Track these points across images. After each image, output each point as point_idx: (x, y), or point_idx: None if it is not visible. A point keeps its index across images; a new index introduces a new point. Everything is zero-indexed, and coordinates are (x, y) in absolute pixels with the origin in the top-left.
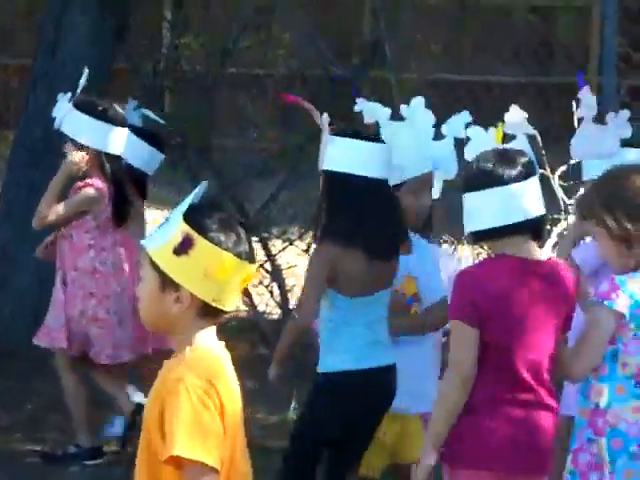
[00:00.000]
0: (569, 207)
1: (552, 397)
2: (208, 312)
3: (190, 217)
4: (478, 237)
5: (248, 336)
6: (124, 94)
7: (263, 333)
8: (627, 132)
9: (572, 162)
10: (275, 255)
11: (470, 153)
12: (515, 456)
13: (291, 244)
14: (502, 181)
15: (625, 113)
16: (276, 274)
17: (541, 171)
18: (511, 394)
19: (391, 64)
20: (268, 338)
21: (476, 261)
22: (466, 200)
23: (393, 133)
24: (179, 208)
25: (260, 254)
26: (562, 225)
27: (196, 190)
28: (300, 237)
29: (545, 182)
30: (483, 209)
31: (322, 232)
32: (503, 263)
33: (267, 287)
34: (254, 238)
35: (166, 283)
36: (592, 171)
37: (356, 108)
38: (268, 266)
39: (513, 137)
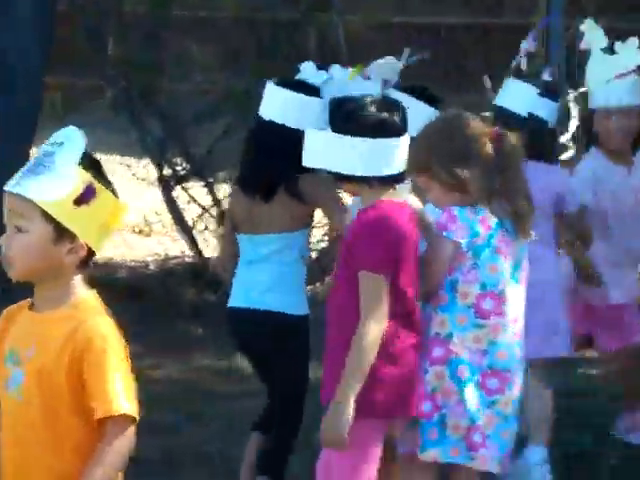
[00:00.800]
0: None
1: None
2: (86, 261)
3: (88, 166)
4: (361, 181)
5: (194, 282)
6: (70, 38)
7: (209, 279)
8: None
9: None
10: (221, 200)
11: (329, 91)
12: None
13: None
14: (400, 133)
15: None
16: (223, 219)
17: (487, 114)
18: (413, 339)
19: (337, 7)
20: (214, 284)
21: None
22: (350, 141)
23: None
24: (66, 156)
25: (206, 199)
26: None
27: (73, 134)
28: None
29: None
30: (377, 155)
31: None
32: (401, 208)
33: (213, 232)
34: (200, 183)
35: (62, 234)
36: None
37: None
38: (214, 211)
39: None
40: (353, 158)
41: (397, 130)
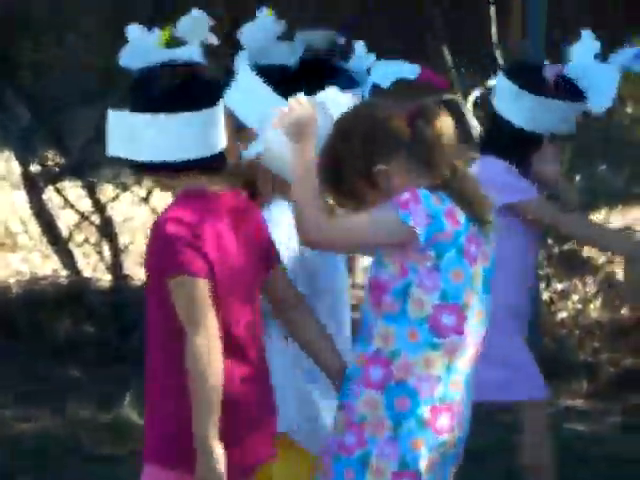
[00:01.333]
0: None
1: (264, 362)
2: None
3: None
4: (151, 169)
5: (70, 309)
6: None
7: (89, 306)
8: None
9: (490, 84)
10: (105, 204)
11: (127, 58)
12: None
13: (125, 191)
14: (197, 105)
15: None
16: (107, 229)
17: (450, 96)
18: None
19: None
20: (95, 312)
21: None
22: (146, 121)
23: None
24: None
25: (86, 203)
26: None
27: None
28: (138, 182)
29: (454, 110)
30: (174, 137)
31: None
32: (207, 200)
33: (95, 246)
34: (78, 182)
35: None
36: None
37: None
38: (96, 219)
39: (183, 43)
40: (147, 140)
41: (191, 102)
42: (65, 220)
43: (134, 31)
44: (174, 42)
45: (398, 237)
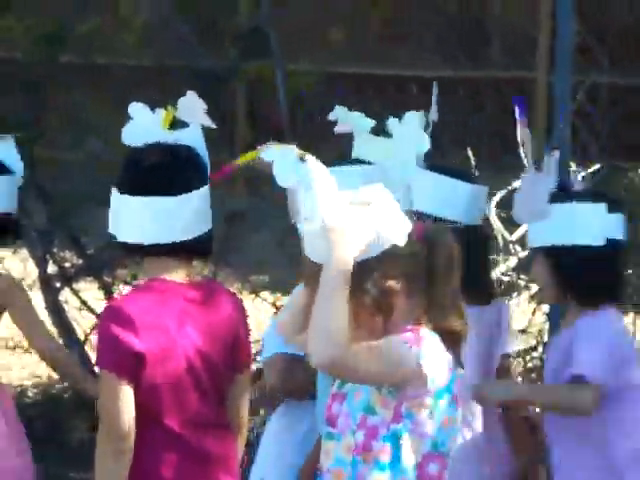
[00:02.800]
0: (510, 245)
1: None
2: None
3: None
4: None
5: (85, 413)
6: None
7: None
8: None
9: (516, 185)
10: None
11: (129, 136)
12: None
13: None
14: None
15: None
16: None
17: None
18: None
19: (277, 54)
20: None
21: None
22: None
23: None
24: None
25: (102, 305)
26: (501, 268)
27: None
28: None
29: None
30: (139, 218)
31: None
32: (162, 290)
33: None
34: (94, 284)
35: None
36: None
37: (331, 116)
38: None
39: (185, 125)
40: (124, 221)
41: (167, 185)
42: (81, 322)
43: (136, 109)
44: (177, 124)
45: (409, 376)
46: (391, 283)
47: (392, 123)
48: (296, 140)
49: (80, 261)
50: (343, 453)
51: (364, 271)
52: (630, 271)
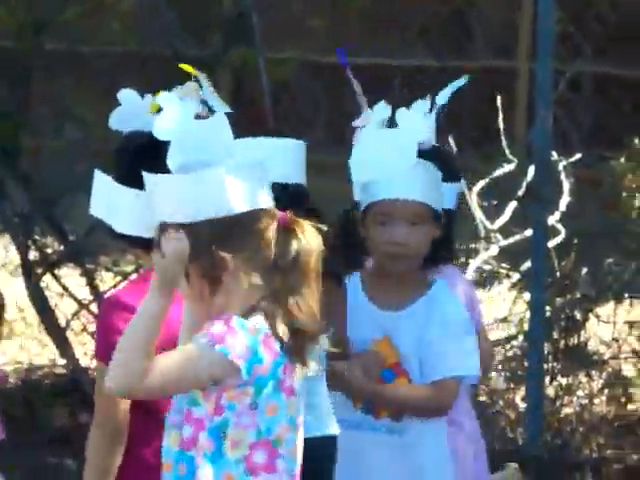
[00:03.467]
0: (492, 234)
1: None
2: None
3: None
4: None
5: (67, 400)
6: None
7: (85, 395)
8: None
9: (497, 174)
10: (104, 292)
11: (116, 121)
12: None
13: (125, 278)
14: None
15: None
16: None
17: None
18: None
19: (260, 43)
20: (92, 402)
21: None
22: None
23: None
24: None
25: (84, 291)
26: (482, 257)
27: None
28: (137, 270)
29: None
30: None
31: None
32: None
33: (93, 335)
34: (76, 270)
35: None
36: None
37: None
38: (95, 307)
39: None
40: (122, 211)
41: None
42: (63, 308)
43: (126, 95)
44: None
45: (219, 374)
46: (224, 255)
47: (400, 113)
48: (279, 126)
49: (62, 247)
50: (171, 445)
51: (198, 234)
52: (610, 260)
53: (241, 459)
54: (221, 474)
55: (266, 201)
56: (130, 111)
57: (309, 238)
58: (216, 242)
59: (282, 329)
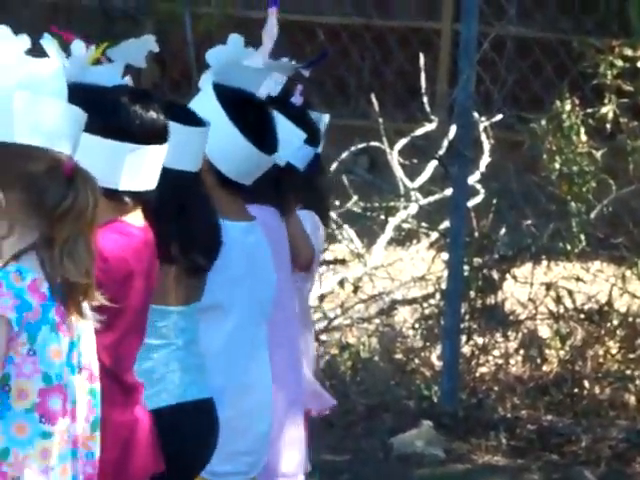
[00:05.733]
0: (412, 193)
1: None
2: None
3: None
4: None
5: None
6: None
7: None
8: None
9: (419, 132)
10: None
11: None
12: None
13: None
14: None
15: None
16: None
17: (376, 143)
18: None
19: None
20: None
21: None
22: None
23: None
24: None
25: None
26: (401, 215)
27: None
28: None
29: (380, 157)
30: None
31: None
32: (130, 235)
33: None
34: None
35: None
36: None
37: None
38: None
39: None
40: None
41: (132, 133)
42: None
43: (78, 46)
44: (99, 61)
45: (2, 333)
46: None
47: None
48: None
49: None
50: None
51: None
52: (529, 221)
53: (32, 408)
54: (10, 426)
55: (66, 147)
56: (74, 62)
57: (90, 190)
58: None
59: (51, 275)
